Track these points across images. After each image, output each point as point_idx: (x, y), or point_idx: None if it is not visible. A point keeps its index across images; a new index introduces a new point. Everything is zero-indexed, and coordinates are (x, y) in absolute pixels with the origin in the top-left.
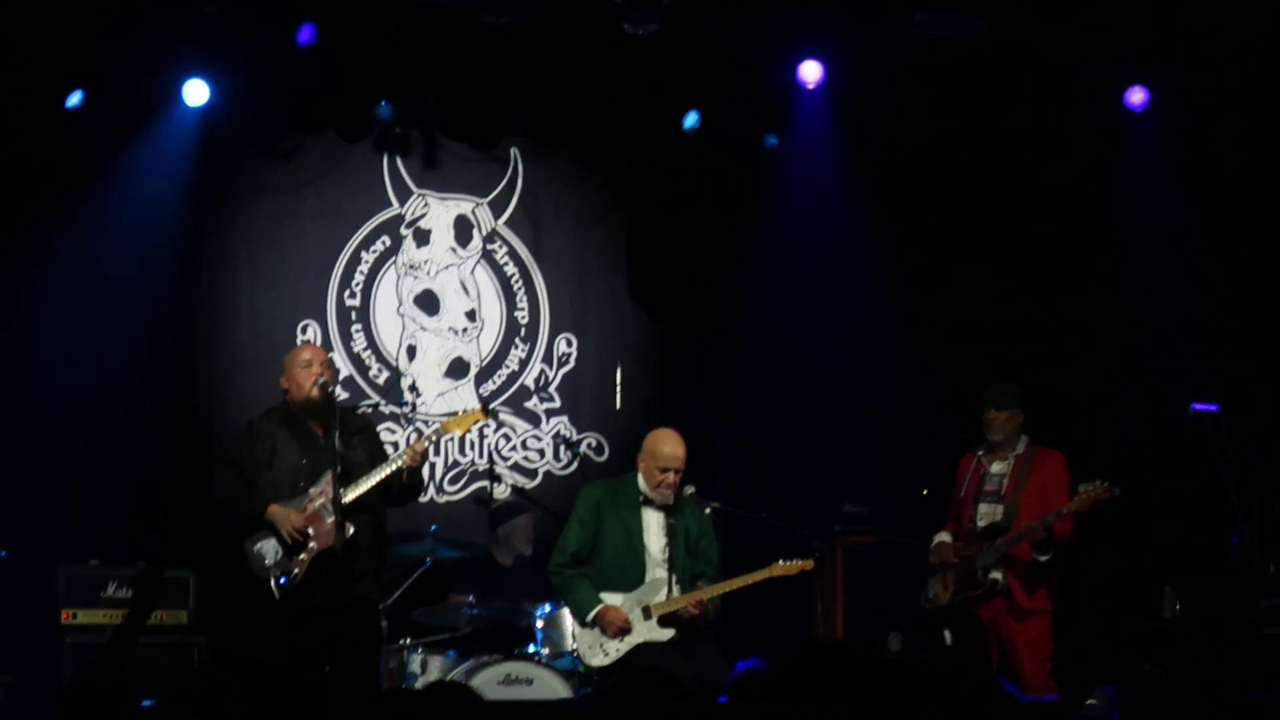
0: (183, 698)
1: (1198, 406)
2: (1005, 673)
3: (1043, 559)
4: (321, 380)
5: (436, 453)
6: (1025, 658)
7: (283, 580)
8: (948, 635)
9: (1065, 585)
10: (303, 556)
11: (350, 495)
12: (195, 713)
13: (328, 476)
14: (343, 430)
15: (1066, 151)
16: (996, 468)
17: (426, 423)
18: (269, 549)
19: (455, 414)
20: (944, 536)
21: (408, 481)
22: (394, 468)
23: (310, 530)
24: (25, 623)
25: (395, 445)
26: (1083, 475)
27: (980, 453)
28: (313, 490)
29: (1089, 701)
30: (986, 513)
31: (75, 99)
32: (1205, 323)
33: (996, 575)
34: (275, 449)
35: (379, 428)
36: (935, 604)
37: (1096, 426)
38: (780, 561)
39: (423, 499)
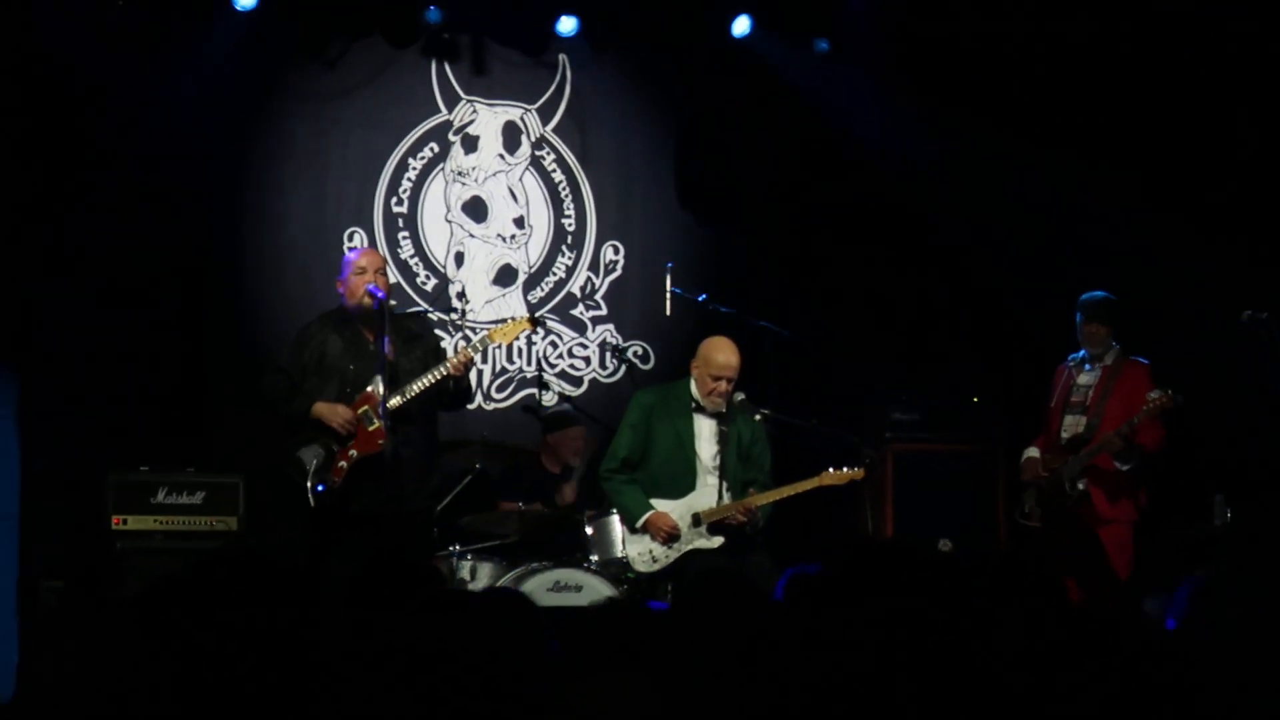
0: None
1: (1250, 313)
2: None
3: (1124, 468)
4: (372, 287)
5: (485, 360)
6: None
7: (320, 488)
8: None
9: None
10: (342, 464)
11: (397, 401)
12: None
13: (374, 383)
14: (396, 337)
15: (1120, 47)
16: (1084, 379)
17: (475, 330)
18: (310, 455)
19: (502, 322)
20: (1032, 451)
21: (454, 390)
22: (438, 376)
23: (353, 437)
24: (76, 529)
25: (447, 352)
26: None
27: (1070, 364)
28: (358, 396)
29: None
30: (1071, 424)
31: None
32: (1260, 228)
33: (1080, 485)
34: (324, 354)
35: None
36: (1030, 519)
37: (1155, 333)
38: (830, 470)
39: (471, 406)
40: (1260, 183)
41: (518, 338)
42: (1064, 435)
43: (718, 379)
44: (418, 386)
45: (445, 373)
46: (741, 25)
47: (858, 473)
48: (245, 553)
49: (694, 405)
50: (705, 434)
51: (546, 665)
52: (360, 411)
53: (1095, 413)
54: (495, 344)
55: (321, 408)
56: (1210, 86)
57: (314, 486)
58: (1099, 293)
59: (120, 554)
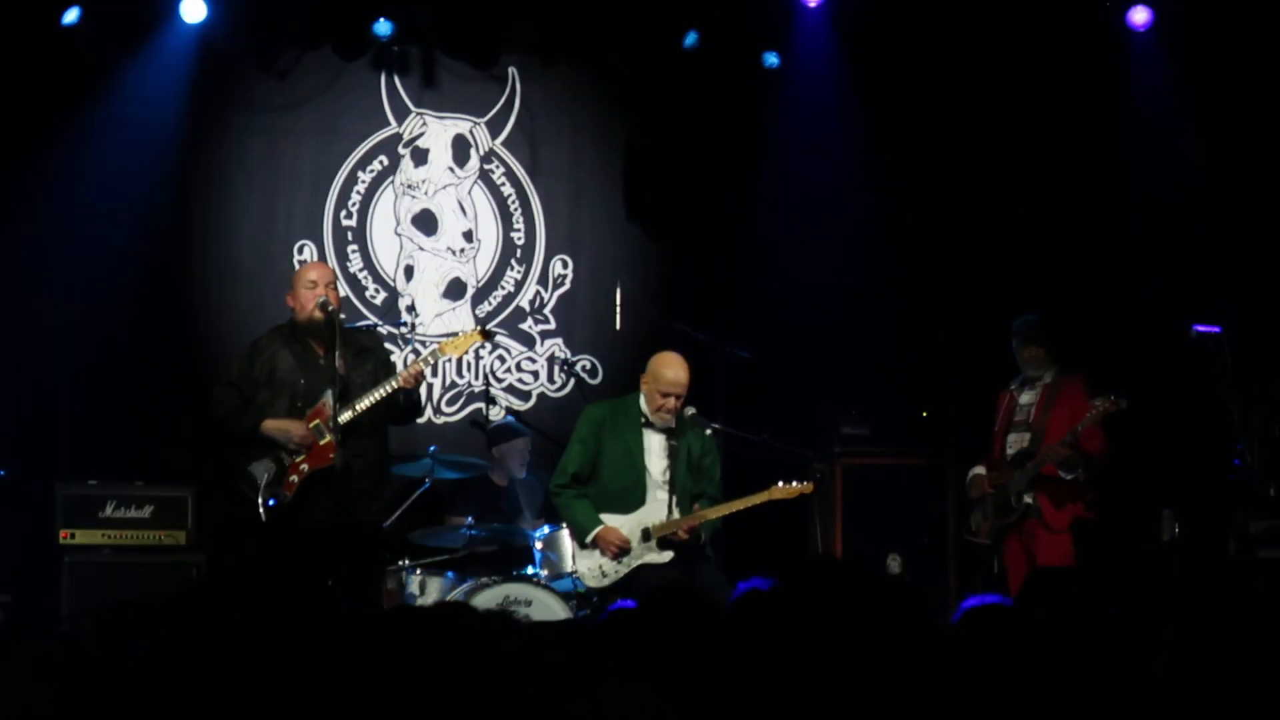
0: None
1: (1200, 328)
2: None
3: (1068, 477)
4: (323, 300)
5: (434, 374)
6: None
7: (271, 503)
8: (996, 563)
9: None
10: (293, 479)
11: (348, 415)
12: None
13: (325, 397)
14: (346, 350)
15: (1070, 71)
16: (1025, 398)
17: (424, 343)
18: (261, 470)
19: (453, 335)
20: (978, 469)
21: (404, 403)
22: (389, 389)
23: (304, 450)
24: (23, 542)
25: (396, 366)
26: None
27: (1013, 386)
28: (309, 410)
29: None
30: (1015, 441)
31: (72, 16)
32: (1208, 243)
33: (1028, 499)
34: (274, 368)
35: None
36: (978, 536)
37: (1101, 349)
38: (779, 484)
39: (420, 420)
40: (1210, 194)
41: (468, 350)
42: (1009, 452)
43: (667, 394)
44: (369, 400)
45: (395, 386)
46: (690, 38)
47: (806, 487)
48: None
49: (644, 420)
50: (655, 449)
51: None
52: (312, 425)
53: (1038, 427)
54: (446, 357)
55: (272, 424)
56: (1155, 93)
57: (265, 500)
58: (1030, 315)
59: (68, 568)
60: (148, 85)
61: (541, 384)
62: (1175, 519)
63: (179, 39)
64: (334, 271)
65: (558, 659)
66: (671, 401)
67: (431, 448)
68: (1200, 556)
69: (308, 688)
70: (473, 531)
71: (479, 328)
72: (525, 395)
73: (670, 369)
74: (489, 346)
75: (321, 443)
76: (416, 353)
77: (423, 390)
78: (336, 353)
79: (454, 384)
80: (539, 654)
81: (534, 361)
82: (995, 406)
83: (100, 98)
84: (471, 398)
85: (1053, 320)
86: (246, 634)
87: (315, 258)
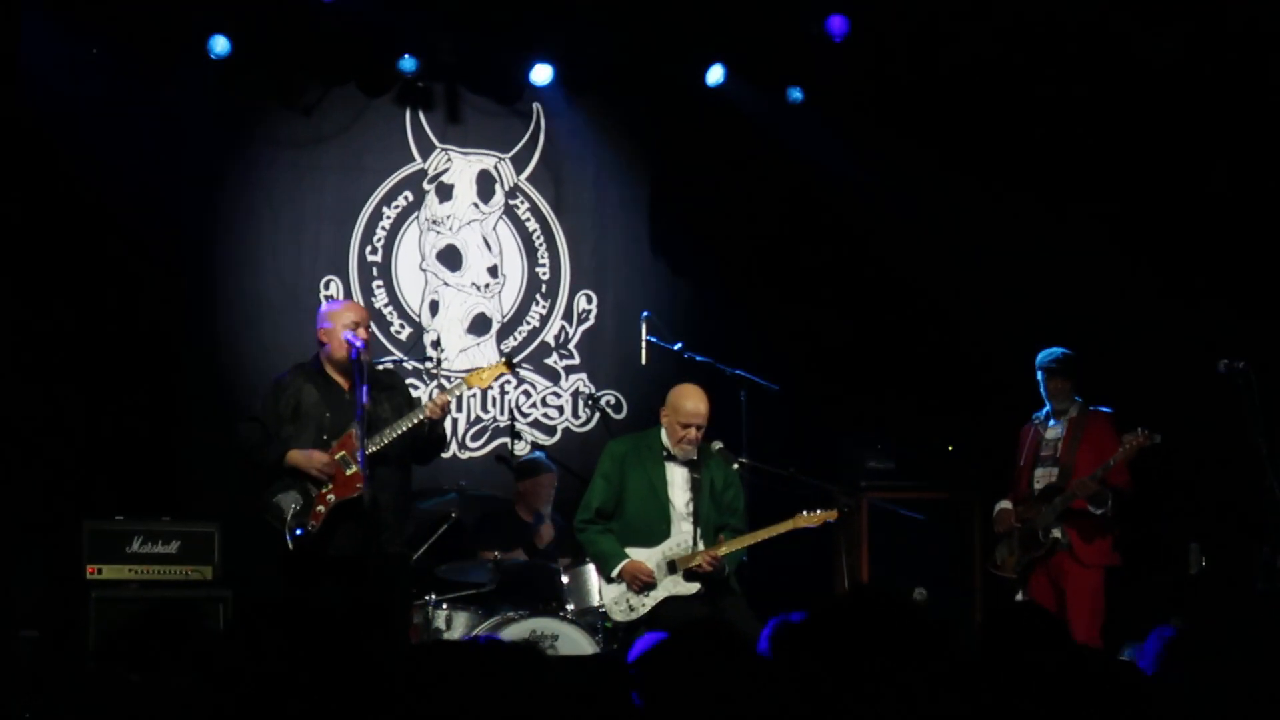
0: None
1: (1227, 362)
2: None
3: (1098, 512)
4: (349, 335)
5: (459, 409)
6: (1074, 610)
7: (299, 532)
8: (1020, 597)
9: None
10: (320, 509)
11: (374, 446)
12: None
13: (351, 430)
14: (371, 386)
15: (1095, 99)
16: (1050, 434)
17: (449, 379)
18: (288, 501)
19: (478, 368)
20: (1004, 504)
21: (430, 436)
22: (415, 420)
23: (330, 481)
24: (51, 578)
25: (420, 401)
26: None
27: (1036, 420)
28: (335, 443)
29: (1121, 657)
30: (1043, 476)
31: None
32: (1234, 275)
33: (1056, 534)
34: (299, 403)
35: None
36: (1003, 570)
37: (1128, 383)
38: (804, 513)
39: (445, 455)
40: (1234, 229)
41: (494, 381)
42: (1036, 486)
43: (687, 426)
44: (396, 431)
45: (422, 417)
46: (715, 74)
47: (832, 514)
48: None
49: (665, 453)
50: (678, 481)
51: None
52: (338, 456)
53: (1066, 462)
54: (472, 389)
55: (297, 455)
56: (1180, 132)
57: (292, 530)
58: (1057, 349)
59: (95, 603)
60: (174, 117)
61: (566, 419)
62: (1202, 553)
63: (204, 72)
64: (368, 312)
65: (590, 695)
66: (692, 433)
67: (462, 482)
68: (1227, 590)
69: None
70: (499, 565)
71: (504, 359)
72: (550, 430)
73: (689, 400)
74: (514, 381)
75: (348, 473)
76: (442, 388)
77: (448, 425)
78: (365, 387)
79: (479, 419)
80: (570, 690)
81: (559, 396)
82: (1018, 441)
83: (127, 132)
84: (497, 433)
85: (1075, 355)
86: (283, 666)
87: (341, 293)
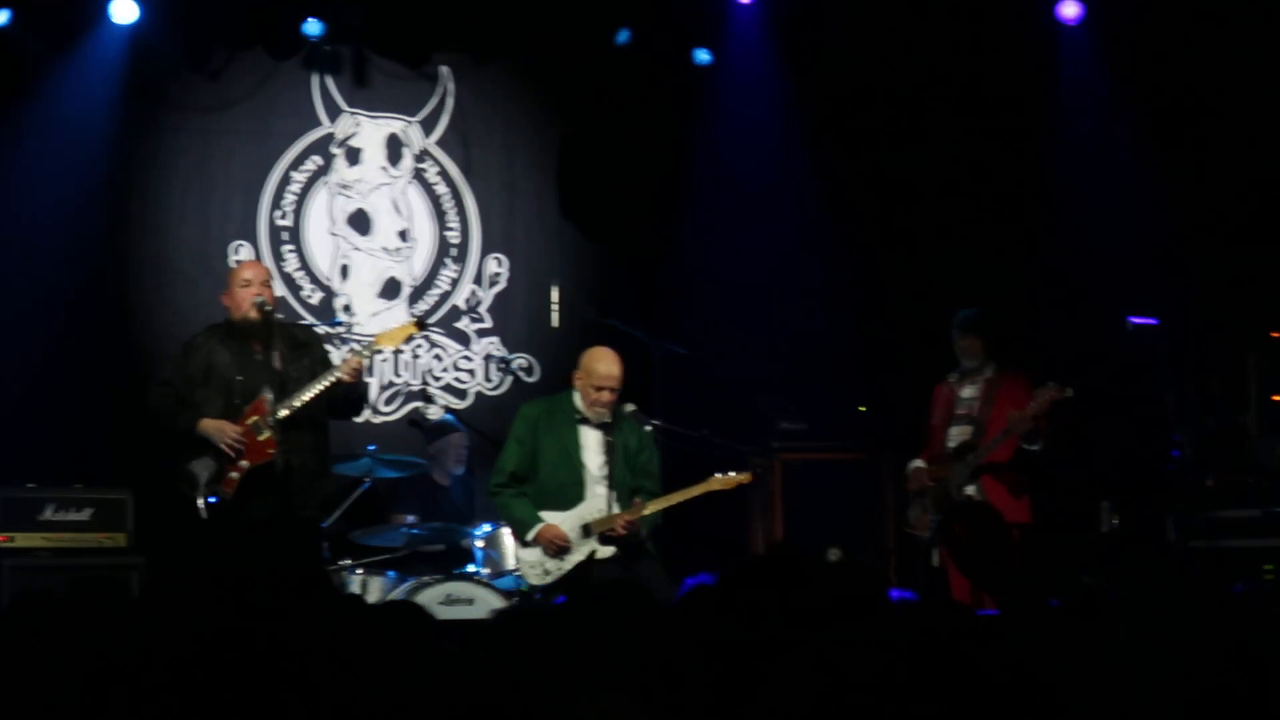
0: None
1: (1136, 320)
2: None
3: (1032, 448)
4: (259, 299)
5: (371, 373)
6: None
7: (211, 500)
8: (935, 556)
9: None
10: (233, 475)
11: (286, 411)
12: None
13: (263, 393)
14: (284, 346)
15: (1002, 64)
16: (966, 392)
17: (360, 342)
18: (201, 468)
19: (389, 329)
20: (917, 462)
21: (348, 397)
22: (329, 381)
23: (243, 447)
24: None
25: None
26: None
27: (951, 380)
28: (246, 407)
29: None
30: (957, 434)
31: (3, 18)
32: (1143, 236)
33: (970, 490)
34: (210, 365)
35: None
36: (916, 529)
37: (1037, 342)
38: (717, 475)
39: (359, 420)
40: (1144, 186)
41: (404, 341)
42: (949, 445)
43: (600, 389)
44: (308, 394)
45: (335, 378)
46: (623, 35)
47: (745, 477)
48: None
49: (579, 416)
50: (591, 444)
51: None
52: (250, 422)
53: (981, 420)
54: (381, 349)
55: (208, 424)
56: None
57: (205, 499)
58: (969, 309)
59: (7, 571)
60: (78, 87)
61: (479, 382)
62: (1114, 511)
63: (110, 40)
64: (268, 270)
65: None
66: (605, 395)
67: (370, 447)
68: (1139, 547)
69: (268, 682)
70: (414, 530)
71: (414, 320)
72: (462, 394)
73: (602, 363)
74: (426, 345)
75: (260, 439)
76: (355, 351)
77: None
78: (274, 349)
79: (391, 383)
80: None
81: (470, 360)
82: (931, 400)
83: (32, 100)
84: (409, 397)
85: (991, 313)
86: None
87: (251, 258)
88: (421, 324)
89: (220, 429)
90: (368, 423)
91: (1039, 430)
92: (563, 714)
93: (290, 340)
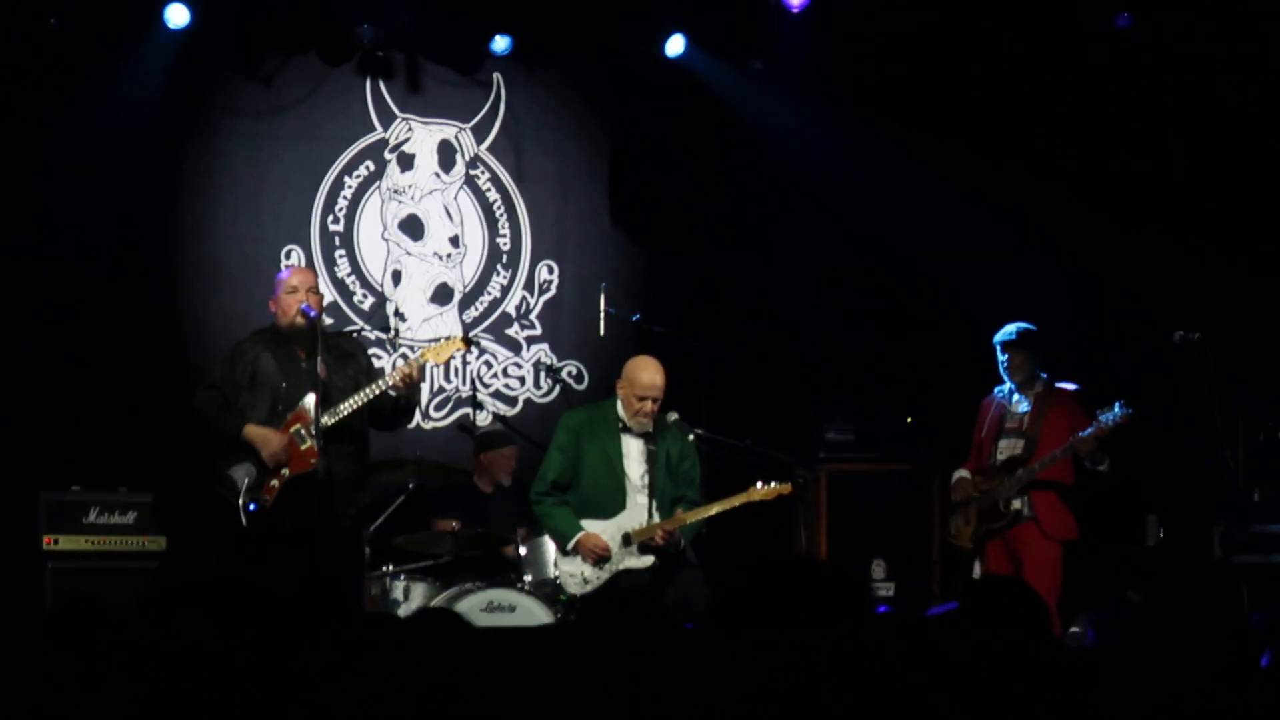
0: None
1: (1182, 333)
2: None
3: (1099, 469)
4: (305, 306)
5: (422, 378)
6: (1032, 582)
7: (252, 507)
8: (976, 567)
9: None
10: (274, 483)
11: (330, 420)
12: (166, 632)
13: (307, 401)
14: (328, 355)
15: (1052, 73)
16: (1017, 406)
17: (412, 348)
18: (241, 474)
19: (437, 341)
20: (963, 473)
21: (399, 407)
22: (375, 392)
23: (285, 455)
24: (7, 548)
25: (382, 371)
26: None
27: (999, 395)
28: (290, 415)
29: (1071, 629)
30: (1007, 447)
31: (57, 22)
32: (1188, 249)
33: (1017, 505)
34: (256, 371)
35: None
36: (958, 539)
37: (1083, 355)
38: (758, 485)
39: (408, 425)
40: (1191, 202)
41: (451, 357)
42: (999, 457)
43: (643, 399)
44: (352, 404)
45: (384, 388)
46: (676, 45)
47: (785, 487)
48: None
49: (621, 425)
50: (633, 453)
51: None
52: (292, 430)
53: (1032, 434)
54: (429, 363)
55: (253, 431)
56: (1141, 108)
57: (245, 505)
58: (1014, 325)
59: (52, 574)
60: (131, 91)
61: (528, 389)
62: (1160, 524)
63: (164, 42)
64: (315, 275)
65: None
66: (648, 405)
67: (417, 453)
68: (1184, 562)
69: (281, 695)
70: (456, 537)
71: (462, 335)
72: (512, 401)
73: (646, 373)
74: (475, 352)
75: (303, 447)
76: (405, 358)
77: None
78: (318, 357)
79: (441, 389)
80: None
81: (520, 367)
82: (979, 412)
83: (85, 103)
84: (459, 403)
85: (1037, 329)
86: (213, 642)
87: (302, 262)
88: (470, 341)
89: (265, 439)
90: (417, 428)
91: (1103, 451)
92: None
93: (335, 349)
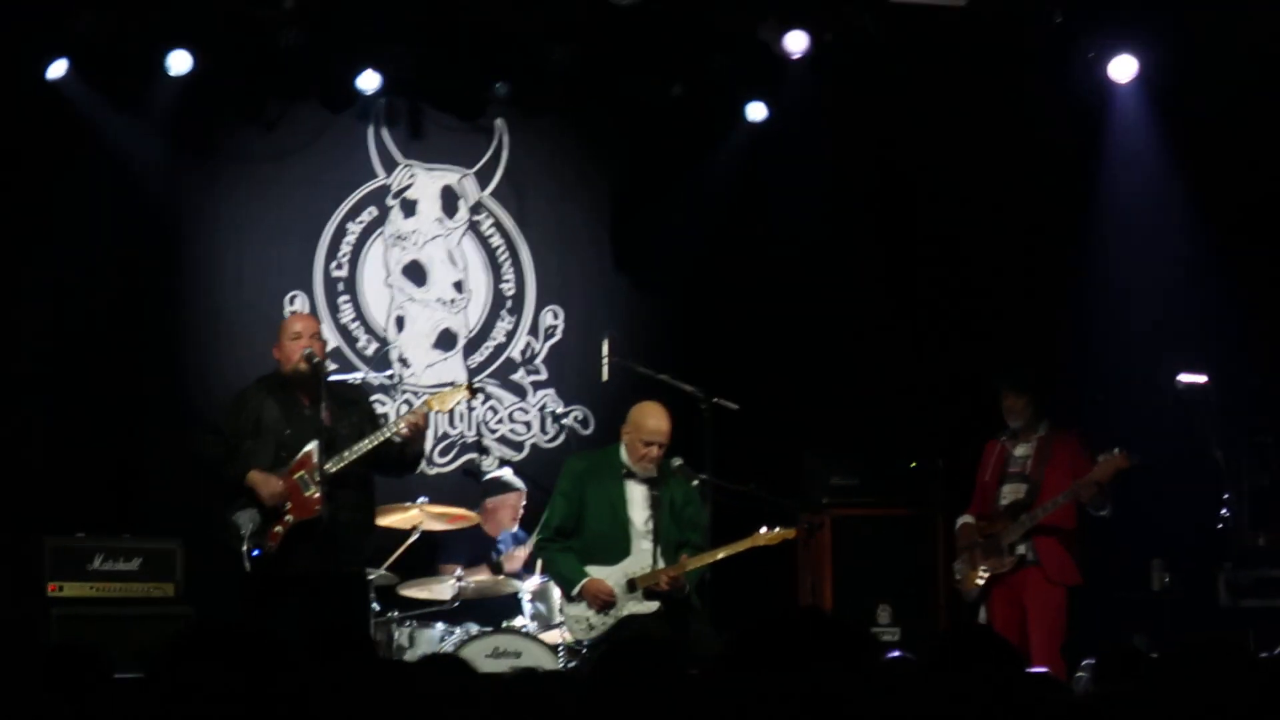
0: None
1: (1185, 378)
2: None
3: (1099, 514)
4: (308, 352)
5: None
6: (1036, 627)
7: (255, 553)
8: (983, 613)
9: None
10: (278, 529)
11: (334, 467)
12: (175, 684)
13: (310, 448)
14: (331, 402)
15: (1053, 121)
16: (1020, 451)
17: (416, 394)
18: (245, 520)
19: (441, 389)
20: (967, 518)
21: (408, 454)
22: (379, 440)
23: (288, 502)
24: (10, 595)
25: (385, 417)
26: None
27: (1004, 438)
28: (294, 461)
29: (1077, 674)
30: (1010, 492)
31: (59, 69)
32: (1193, 294)
33: (1022, 549)
34: (260, 417)
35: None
36: (963, 585)
37: (1086, 399)
38: (763, 530)
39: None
40: (1194, 243)
41: (455, 404)
42: (1002, 502)
43: (649, 444)
44: (355, 451)
45: (389, 435)
46: (676, 90)
47: (790, 532)
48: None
49: (625, 470)
50: (637, 499)
51: None
52: (296, 477)
53: (1035, 479)
54: (433, 410)
55: (256, 477)
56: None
57: (249, 551)
58: (1017, 367)
59: (56, 621)
60: (133, 138)
61: (534, 434)
62: (1165, 569)
63: (165, 91)
64: (318, 322)
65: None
66: (654, 451)
67: (421, 499)
68: (1190, 607)
69: None
70: (462, 583)
71: (467, 384)
72: (518, 446)
73: (652, 418)
74: (481, 397)
75: (306, 494)
76: (408, 404)
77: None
78: (322, 404)
79: (446, 435)
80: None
81: (526, 413)
82: (982, 456)
83: (86, 151)
84: (464, 448)
85: (1038, 371)
86: (229, 691)
87: (306, 308)
88: (474, 390)
89: (267, 483)
90: (422, 474)
91: (1105, 495)
92: None
93: (338, 396)
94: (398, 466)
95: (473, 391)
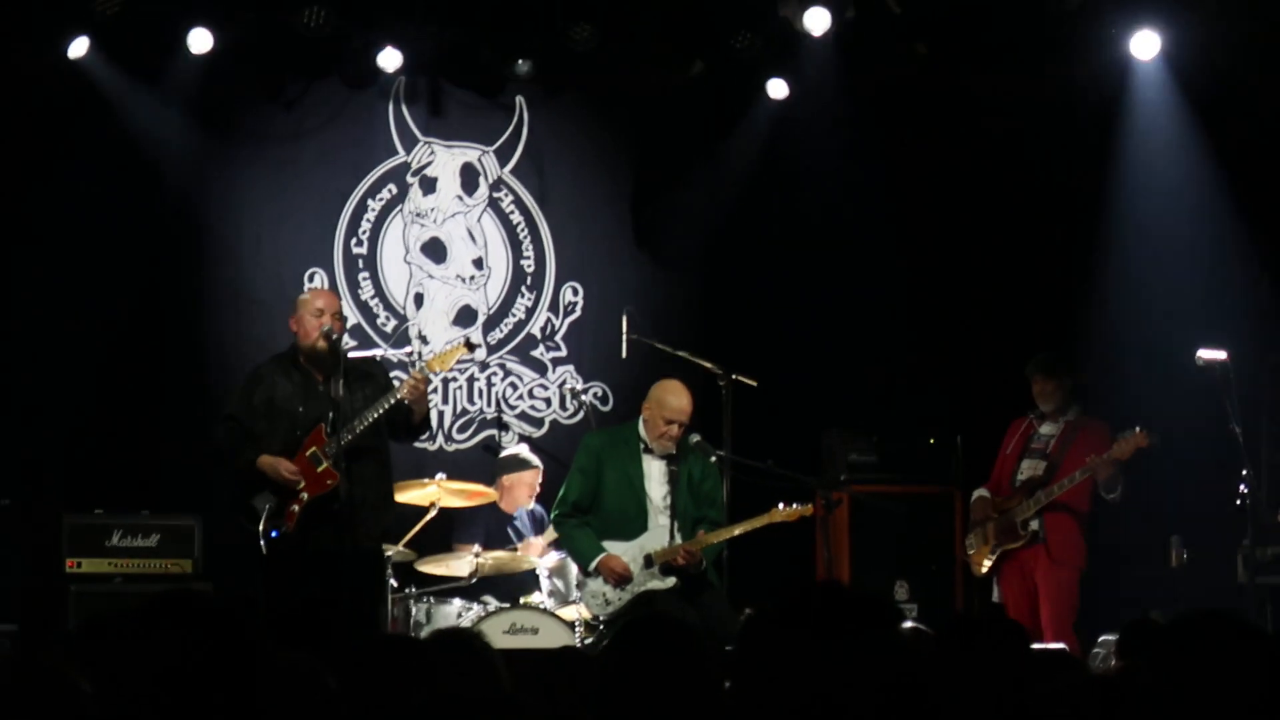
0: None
1: (1205, 354)
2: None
3: (1111, 497)
4: (327, 329)
5: (444, 400)
6: (1047, 606)
7: (273, 534)
8: (996, 590)
9: None
10: (294, 508)
11: (344, 439)
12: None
13: (321, 424)
14: (346, 377)
15: (1074, 98)
16: (1046, 429)
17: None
18: (262, 502)
19: (439, 353)
20: (982, 492)
21: (411, 420)
22: (385, 406)
23: (302, 480)
24: (29, 572)
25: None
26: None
27: (1032, 416)
28: (306, 439)
29: (1094, 650)
30: (1029, 468)
31: (80, 47)
32: (1213, 271)
33: (1034, 525)
34: (273, 397)
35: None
36: (975, 559)
37: (1106, 376)
38: (780, 506)
39: (430, 447)
40: (1215, 220)
41: (454, 362)
42: (1020, 477)
43: (670, 422)
44: (364, 422)
45: (394, 401)
46: (697, 67)
47: (808, 509)
48: (190, 596)
49: (643, 446)
50: (655, 475)
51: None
52: (308, 453)
53: (1055, 458)
54: (434, 372)
55: (265, 462)
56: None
57: (267, 532)
58: (1047, 352)
59: (75, 597)
60: (154, 117)
61: (554, 411)
62: (1183, 546)
63: (185, 70)
64: (339, 300)
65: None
66: (675, 429)
67: (440, 475)
68: (1208, 583)
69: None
70: (480, 559)
71: (463, 341)
72: (538, 422)
73: (675, 396)
74: (501, 373)
75: (319, 470)
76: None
77: (434, 417)
78: (337, 380)
79: (465, 411)
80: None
81: (546, 389)
82: (1007, 432)
83: (108, 129)
84: (483, 424)
85: (1067, 356)
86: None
87: (326, 285)
88: (470, 345)
89: (276, 467)
90: (440, 450)
91: (1118, 477)
92: None
93: (354, 371)
94: (408, 431)
95: (470, 347)
